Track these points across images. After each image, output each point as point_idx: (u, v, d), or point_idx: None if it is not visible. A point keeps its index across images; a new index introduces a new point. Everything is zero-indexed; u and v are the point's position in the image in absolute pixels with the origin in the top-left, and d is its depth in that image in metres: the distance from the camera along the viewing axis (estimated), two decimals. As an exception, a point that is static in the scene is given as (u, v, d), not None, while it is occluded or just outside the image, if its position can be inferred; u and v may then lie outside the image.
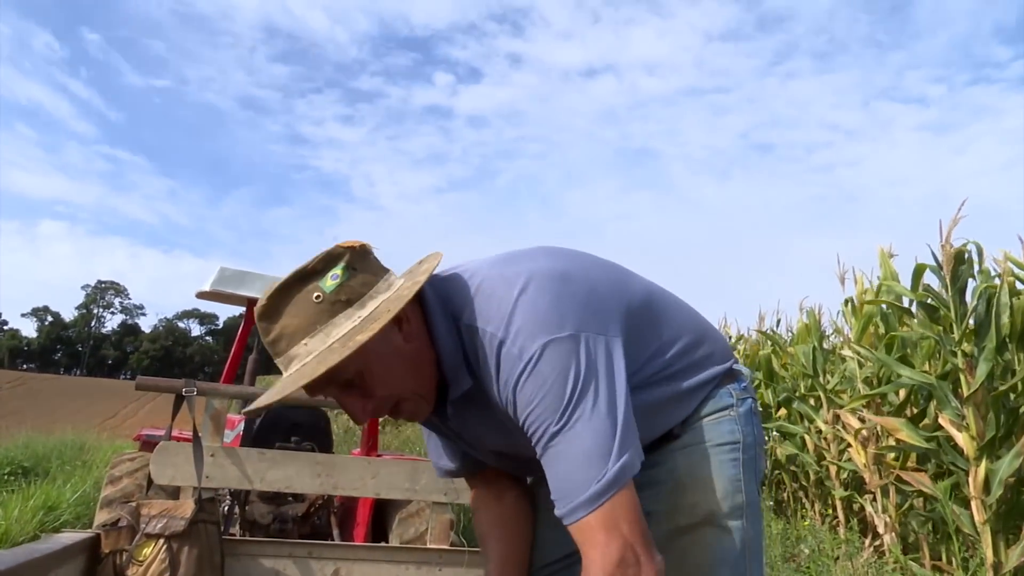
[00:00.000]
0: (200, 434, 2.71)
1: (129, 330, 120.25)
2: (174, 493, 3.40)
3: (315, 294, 1.14)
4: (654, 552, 1.09)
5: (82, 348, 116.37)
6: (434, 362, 1.22)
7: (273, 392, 1.19)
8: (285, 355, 1.15)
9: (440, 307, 1.22)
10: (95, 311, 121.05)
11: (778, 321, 7.99)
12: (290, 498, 4.17)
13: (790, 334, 7.71)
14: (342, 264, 1.16)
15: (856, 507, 5.56)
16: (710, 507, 1.30)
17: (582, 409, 1.10)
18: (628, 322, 1.24)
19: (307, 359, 1.12)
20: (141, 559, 2.34)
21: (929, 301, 4.03)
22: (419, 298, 1.22)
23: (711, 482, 1.31)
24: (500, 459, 1.43)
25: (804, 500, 6.53)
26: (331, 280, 1.15)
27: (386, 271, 1.22)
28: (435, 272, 1.26)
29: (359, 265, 1.18)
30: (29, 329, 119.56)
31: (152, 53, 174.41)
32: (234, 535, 3.79)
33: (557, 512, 1.12)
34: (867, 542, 4.84)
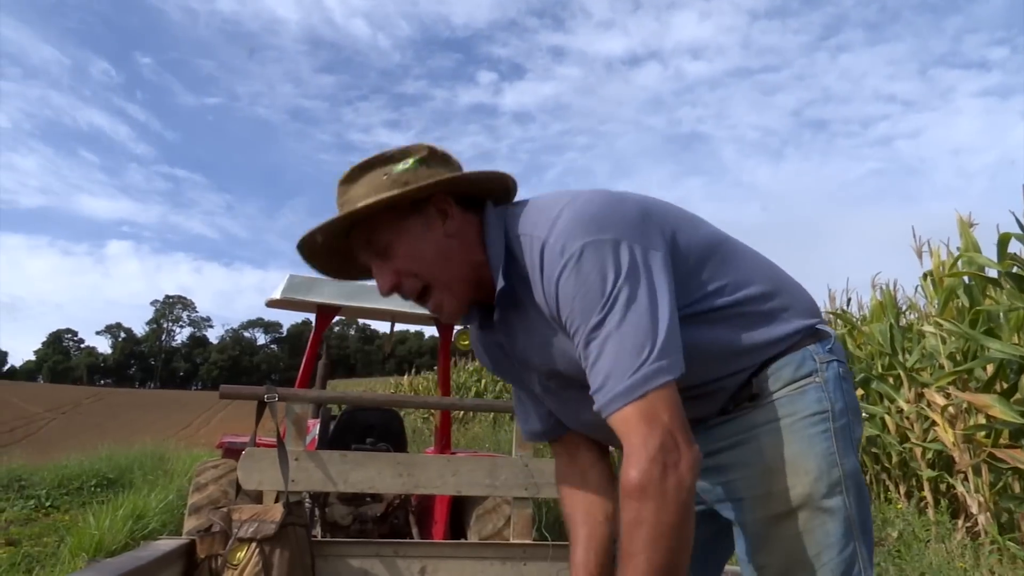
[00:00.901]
0: (283, 439, 2.75)
1: (198, 342, 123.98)
2: (258, 498, 3.47)
3: (384, 174, 1.27)
4: (693, 441, 1.10)
5: (154, 362, 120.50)
6: (475, 265, 1.30)
7: (315, 228, 1.27)
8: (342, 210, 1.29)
9: (496, 219, 1.31)
10: (165, 325, 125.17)
11: (848, 299, 7.77)
12: (368, 499, 4.22)
13: (862, 312, 7.48)
14: (416, 157, 1.29)
15: (943, 487, 5.36)
16: (806, 489, 1.22)
17: (621, 305, 1.12)
18: (681, 250, 1.24)
19: (349, 209, 1.25)
20: (235, 563, 2.38)
21: (1015, 270, 3.85)
22: (475, 208, 1.33)
23: (803, 461, 1.23)
24: (553, 379, 1.37)
25: (887, 482, 6.34)
26: (401, 165, 1.28)
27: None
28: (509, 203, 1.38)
29: (432, 163, 1.29)
30: (104, 346, 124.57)
31: (203, 72, 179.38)
32: (315, 537, 3.85)
33: (596, 405, 1.13)
34: (959, 523, 4.66)
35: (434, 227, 1.28)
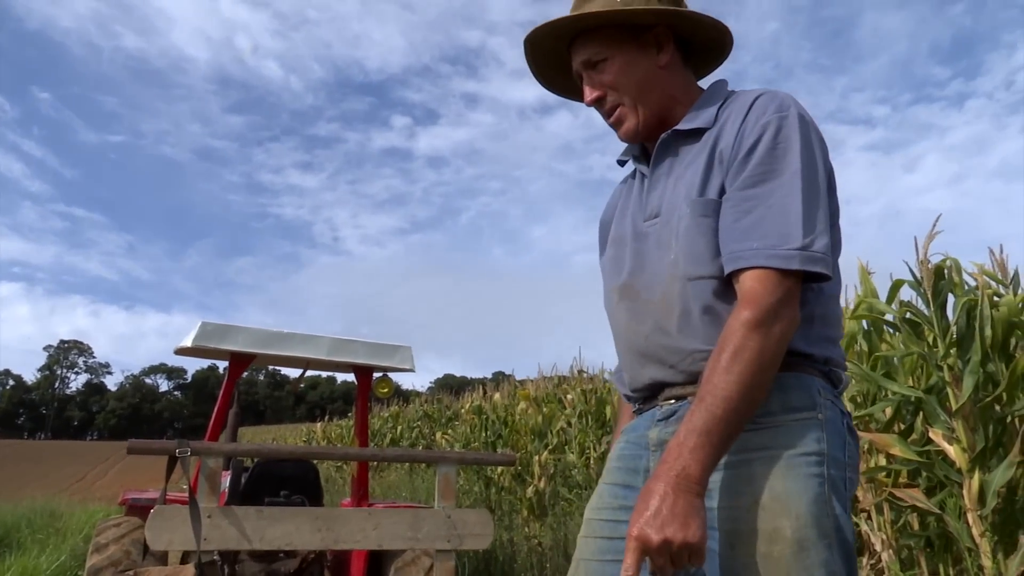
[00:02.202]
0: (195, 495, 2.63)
1: (95, 389, 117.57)
2: (163, 558, 3.30)
3: None
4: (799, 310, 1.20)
5: (46, 411, 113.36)
6: (669, 100, 1.42)
7: (546, 21, 1.40)
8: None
9: (721, 83, 1.46)
10: (58, 372, 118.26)
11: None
12: (282, 554, 4.06)
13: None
14: None
15: (849, 526, 5.56)
16: (794, 534, 1.13)
17: (812, 178, 1.22)
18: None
19: (579, 12, 1.38)
20: (142, 630, 2.25)
21: (909, 316, 4.08)
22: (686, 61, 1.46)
23: (794, 503, 1.15)
24: (636, 232, 1.43)
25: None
26: None
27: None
28: None
29: (665, 3, 1.38)
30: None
31: (106, 109, 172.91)
32: (226, 597, 3.67)
33: (730, 249, 1.22)
34: (864, 561, 4.83)
35: (648, 55, 1.40)
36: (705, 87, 1.47)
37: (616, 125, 1.44)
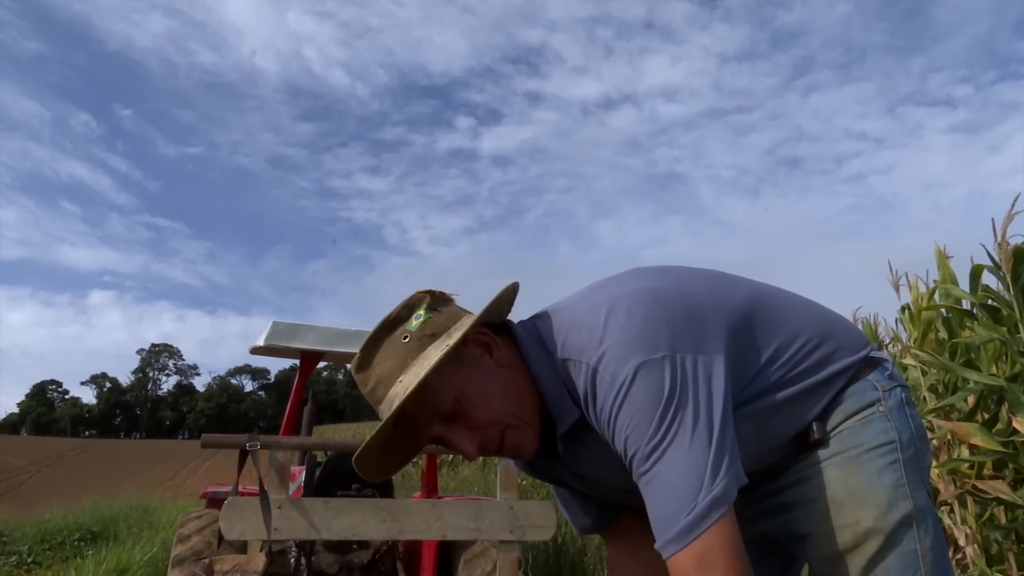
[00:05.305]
0: (266, 487, 2.74)
1: (184, 390, 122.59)
2: (242, 548, 3.44)
3: (403, 336, 1.15)
4: None
5: (140, 411, 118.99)
6: (535, 393, 1.20)
7: (376, 434, 1.18)
8: (385, 400, 1.15)
9: (535, 344, 1.21)
10: (151, 374, 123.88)
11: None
12: (355, 546, 4.18)
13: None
14: (424, 306, 1.18)
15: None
16: (874, 523, 1.15)
17: (672, 436, 1.04)
18: (734, 333, 1.18)
19: (403, 396, 1.11)
20: (217, 615, 2.36)
21: (990, 302, 3.91)
22: (510, 334, 1.24)
23: (870, 493, 1.17)
24: (629, 496, 1.27)
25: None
26: (415, 320, 1.17)
27: (468, 312, 1.23)
28: (530, 315, 1.29)
29: (440, 306, 1.19)
30: (89, 396, 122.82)
31: (183, 123, 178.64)
32: (302, 586, 3.80)
33: (656, 547, 1.06)
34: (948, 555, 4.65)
35: (485, 361, 1.18)
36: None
37: (516, 453, 1.23)
